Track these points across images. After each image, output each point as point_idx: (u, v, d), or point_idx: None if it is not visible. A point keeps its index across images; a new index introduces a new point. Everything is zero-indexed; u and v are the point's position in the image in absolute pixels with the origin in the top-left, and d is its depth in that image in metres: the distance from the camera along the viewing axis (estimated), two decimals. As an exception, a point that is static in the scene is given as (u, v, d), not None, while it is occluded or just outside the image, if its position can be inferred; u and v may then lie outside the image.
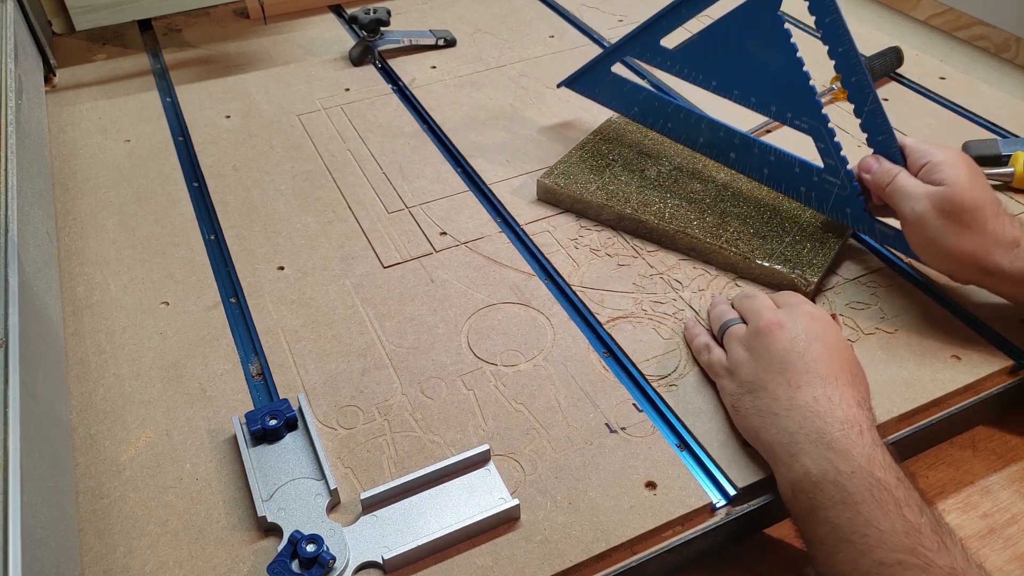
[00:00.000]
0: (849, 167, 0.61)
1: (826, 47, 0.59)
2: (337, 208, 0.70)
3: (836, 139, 0.61)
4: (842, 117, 0.60)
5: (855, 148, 0.60)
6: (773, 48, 0.62)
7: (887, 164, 0.58)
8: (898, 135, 0.59)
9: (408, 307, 0.61)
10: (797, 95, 0.62)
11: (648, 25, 0.68)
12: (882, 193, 0.58)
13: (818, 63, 0.62)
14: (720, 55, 0.65)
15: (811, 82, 0.61)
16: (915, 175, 0.56)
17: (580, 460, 0.50)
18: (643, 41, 0.69)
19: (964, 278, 0.57)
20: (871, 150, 0.60)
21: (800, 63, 0.61)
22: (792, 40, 0.61)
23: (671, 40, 0.68)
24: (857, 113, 0.60)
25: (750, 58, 0.63)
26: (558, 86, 0.77)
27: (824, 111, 0.61)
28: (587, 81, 0.76)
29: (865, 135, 0.60)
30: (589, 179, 0.69)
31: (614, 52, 0.72)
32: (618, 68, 0.74)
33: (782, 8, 0.60)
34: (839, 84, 0.78)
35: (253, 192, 0.72)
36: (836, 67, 0.59)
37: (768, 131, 0.77)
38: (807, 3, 0.59)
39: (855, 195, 0.61)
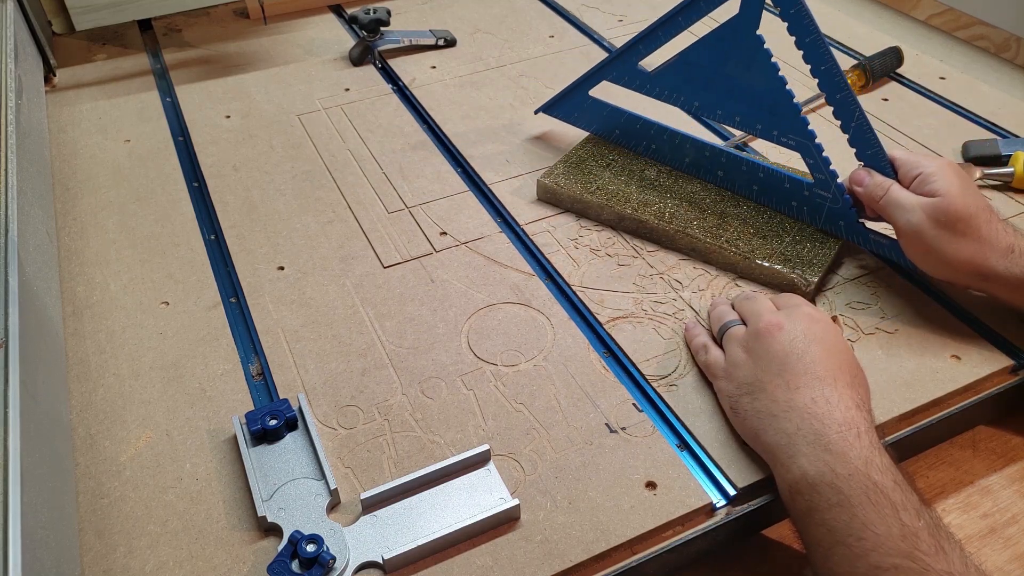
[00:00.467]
0: (840, 180, 0.61)
1: (808, 66, 0.59)
2: (337, 208, 0.70)
3: (825, 153, 0.61)
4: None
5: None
6: (754, 68, 0.62)
7: (879, 177, 0.58)
8: (886, 146, 0.59)
9: (408, 307, 0.61)
10: (782, 113, 0.62)
11: (625, 48, 0.68)
12: (875, 206, 0.58)
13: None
14: (701, 76, 0.65)
15: (795, 100, 0.61)
16: (907, 187, 0.57)
17: (580, 460, 0.50)
18: (621, 65, 0.69)
19: (962, 284, 0.57)
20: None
21: (783, 82, 0.61)
22: (773, 60, 0.61)
23: (649, 62, 0.67)
24: (844, 129, 0.60)
25: (732, 79, 0.63)
26: (536, 112, 0.77)
27: (811, 127, 0.61)
28: (565, 106, 0.75)
29: (854, 150, 0.60)
30: (589, 179, 0.69)
31: (592, 76, 0.71)
32: (599, 90, 0.72)
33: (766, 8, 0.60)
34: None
35: (253, 192, 0.72)
36: (819, 85, 0.59)
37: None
38: (786, 24, 0.59)
39: (847, 207, 0.61)
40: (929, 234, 0.54)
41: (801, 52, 0.59)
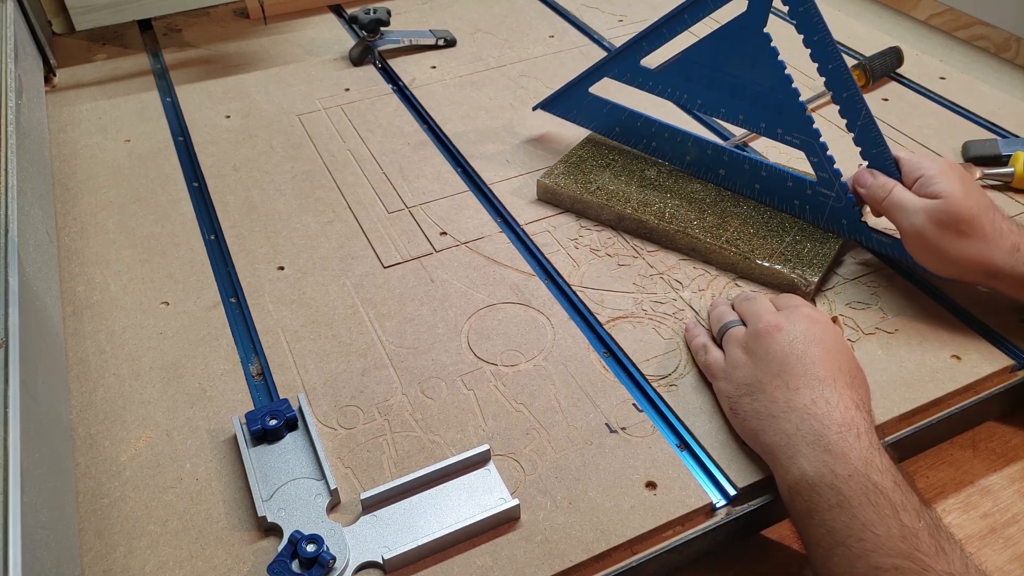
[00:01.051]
0: (843, 179, 0.61)
1: (812, 66, 0.59)
2: (337, 208, 0.70)
3: (829, 152, 0.61)
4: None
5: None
6: (760, 67, 0.61)
7: (882, 178, 0.58)
8: (891, 146, 0.59)
9: (408, 307, 0.61)
10: (787, 112, 0.62)
11: (629, 45, 0.67)
12: (878, 206, 0.59)
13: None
14: (705, 74, 0.65)
15: (800, 98, 0.61)
16: (909, 188, 0.57)
17: (580, 460, 0.50)
18: (623, 61, 0.68)
19: (969, 281, 0.57)
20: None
21: (788, 80, 0.61)
22: (780, 58, 0.60)
23: (650, 61, 0.67)
24: (850, 128, 0.60)
25: (736, 77, 0.63)
26: (534, 109, 0.76)
27: (815, 125, 0.61)
28: (564, 103, 0.74)
29: (859, 148, 0.60)
30: (589, 179, 0.69)
31: (593, 73, 0.71)
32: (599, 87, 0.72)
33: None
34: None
35: (253, 192, 0.72)
36: (827, 84, 0.59)
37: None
38: (794, 23, 0.58)
39: (851, 206, 0.61)
40: (933, 235, 0.55)
41: (808, 50, 0.59)
